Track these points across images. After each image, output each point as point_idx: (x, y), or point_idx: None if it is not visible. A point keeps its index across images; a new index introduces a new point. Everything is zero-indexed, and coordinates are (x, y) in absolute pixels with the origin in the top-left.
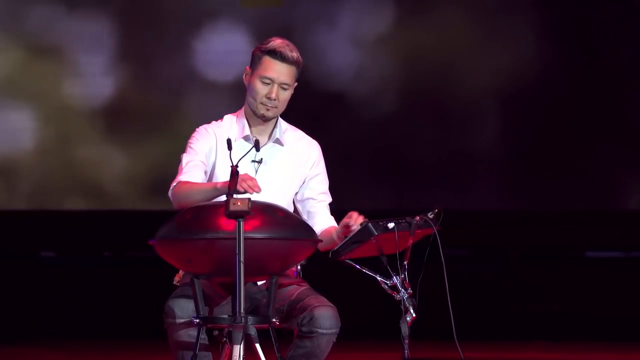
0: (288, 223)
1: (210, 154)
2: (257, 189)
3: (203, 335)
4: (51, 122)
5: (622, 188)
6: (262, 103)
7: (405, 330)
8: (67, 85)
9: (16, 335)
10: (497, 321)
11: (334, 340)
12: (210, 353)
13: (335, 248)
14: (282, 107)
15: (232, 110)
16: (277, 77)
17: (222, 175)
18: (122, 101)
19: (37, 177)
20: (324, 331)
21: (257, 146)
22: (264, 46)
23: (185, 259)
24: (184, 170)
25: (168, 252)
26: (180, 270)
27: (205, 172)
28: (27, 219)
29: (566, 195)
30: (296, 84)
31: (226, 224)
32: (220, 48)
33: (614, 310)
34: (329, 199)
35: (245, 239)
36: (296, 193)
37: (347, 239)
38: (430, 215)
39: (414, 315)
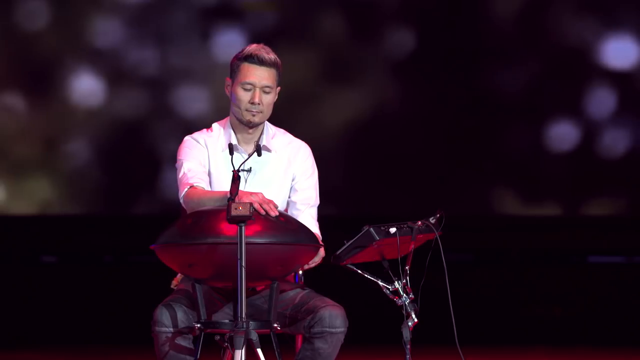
0: (289, 228)
1: (204, 163)
2: (274, 213)
3: (189, 343)
4: None
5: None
6: (247, 110)
7: (407, 335)
8: None
9: (16, 340)
10: (499, 326)
11: (342, 340)
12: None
13: (337, 253)
14: (267, 111)
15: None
16: (258, 81)
17: (219, 185)
18: None
19: None
20: (334, 330)
21: (258, 150)
22: (240, 54)
23: (187, 264)
24: (188, 176)
25: (169, 257)
26: (178, 274)
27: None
28: (28, 223)
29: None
30: (279, 88)
31: (227, 229)
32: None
33: (616, 316)
34: (315, 203)
35: (246, 244)
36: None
37: (348, 243)
38: (432, 220)
39: (415, 320)
